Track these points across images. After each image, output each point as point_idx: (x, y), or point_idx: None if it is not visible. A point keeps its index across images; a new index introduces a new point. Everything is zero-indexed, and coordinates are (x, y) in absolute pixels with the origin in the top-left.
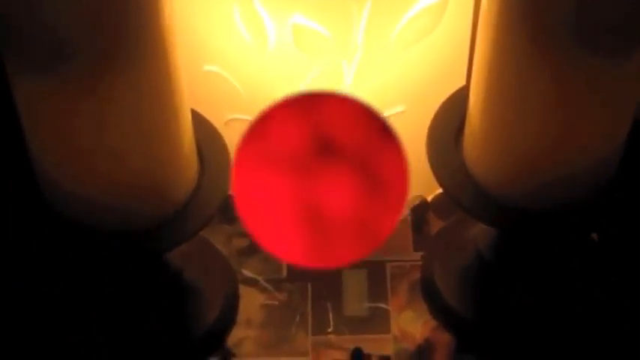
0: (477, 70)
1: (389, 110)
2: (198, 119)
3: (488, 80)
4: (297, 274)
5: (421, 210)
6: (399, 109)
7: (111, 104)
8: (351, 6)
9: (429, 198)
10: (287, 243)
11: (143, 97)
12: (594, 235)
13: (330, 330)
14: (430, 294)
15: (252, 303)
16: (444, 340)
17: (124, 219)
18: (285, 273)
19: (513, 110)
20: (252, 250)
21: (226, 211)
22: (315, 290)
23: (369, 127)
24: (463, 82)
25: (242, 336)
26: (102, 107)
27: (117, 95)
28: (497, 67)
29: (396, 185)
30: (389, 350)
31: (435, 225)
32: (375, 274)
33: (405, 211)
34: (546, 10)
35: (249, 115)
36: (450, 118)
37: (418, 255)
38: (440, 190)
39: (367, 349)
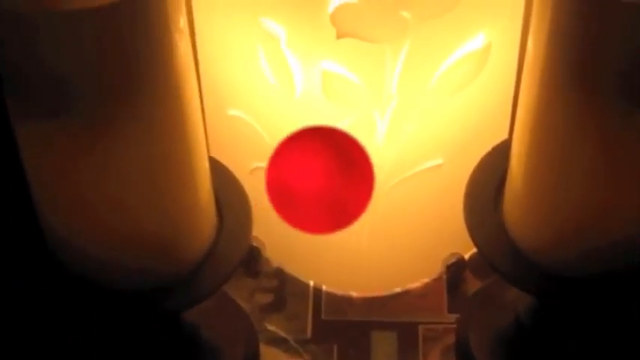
0: (519, 124)
1: (425, 163)
2: (218, 168)
3: (532, 137)
4: (322, 335)
5: (457, 269)
6: (436, 162)
7: (117, 153)
8: (385, 51)
9: (467, 256)
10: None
11: (153, 145)
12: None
13: None
14: None
15: None
16: None
17: (136, 277)
18: (310, 333)
19: (559, 171)
20: (276, 307)
21: (249, 265)
22: (341, 352)
23: None
24: (505, 135)
25: None
26: (108, 156)
27: (124, 143)
28: (542, 123)
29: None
30: None
31: (473, 285)
32: (406, 336)
33: (440, 270)
34: (597, 65)
35: None
36: (490, 175)
37: (453, 317)
38: None
39: None
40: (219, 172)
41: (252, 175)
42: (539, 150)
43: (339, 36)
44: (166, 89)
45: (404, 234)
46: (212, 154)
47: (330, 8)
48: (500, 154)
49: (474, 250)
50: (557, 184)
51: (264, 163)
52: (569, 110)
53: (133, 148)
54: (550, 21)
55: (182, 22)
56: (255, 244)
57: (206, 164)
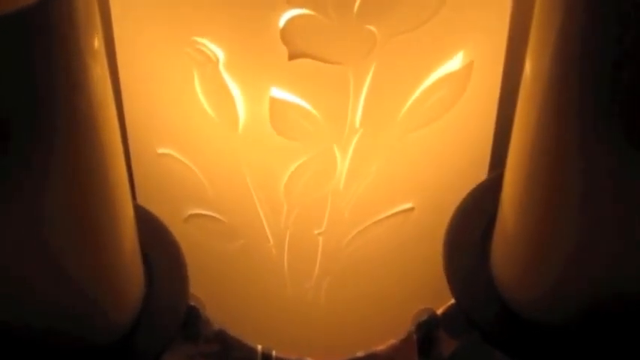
0: (513, 162)
1: (393, 207)
2: (146, 217)
3: (531, 176)
4: None
5: (429, 327)
6: (406, 206)
7: (13, 205)
8: (347, 74)
9: (439, 311)
10: None
11: (64, 190)
12: None
13: None
14: None
15: None
16: None
17: (56, 344)
18: None
19: (565, 215)
20: None
21: (187, 327)
22: None
23: None
24: (485, 173)
25: None
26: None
27: (21, 193)
28: (546, 161)
29: None
30: None
31: (448, 345)
32: None
33: (410, 328)
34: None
35: (215, 211)
36: (475, 218)
37: None
38: (453, 301)
39: None
40: (148, 222)
41: (187, 223)
42: (541, 191)
43: (292, 56)
44: (75, 122)
45: (368, 289)
46: (139, 201)
47: (281, 22)
48: (484, 196)
49: (448, 304)
50: (563, 228)
51: (201, 210)
52: (582, 146)
53: (31, 196)
54: (559, 37)
55: (97, 42)
56: (193, 303)
57: (130, 213)
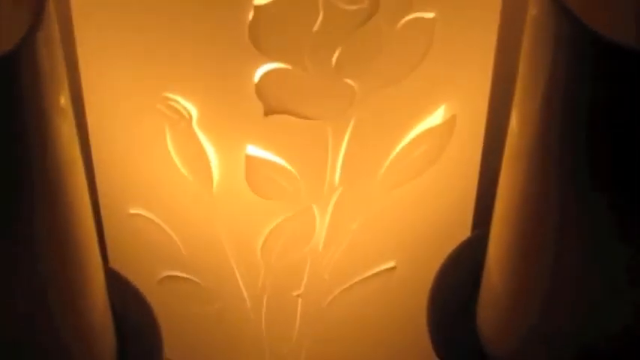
0: (501, 214)
1: (374, 267)
2: (117, 281)
3: (519, 229)
4: None
5: None
6: (389, 264)
7: None
8: (325, 130)
9: None
10: None
11: (29, 255)
12: None
13: None
14: None
15: None
16: None
17: None
18: None
19: (553, 274)
20: None
21: None
22: None
23: None
24: (469, 229)
25: None
26: None
27: None
28: (533, 219)
29: None
30: None
31: None
32: None
33: None
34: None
35: (190, 273)
36: (459, 277)
37: None
38: None
39: None
40: (119, 284)
41: (161, 285)
42: (527, 248)
43: (268, 112)
44: (42, 183)
45: (350, 352)
46: (111, 263)
47: (256, 77)
48: (468, 253)
49: None
50: (554, 291)
51: (175, 272)
52: (572, 204)
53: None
54: (548, 86)
55: (63, 99)
56: None
57: (100, 276)
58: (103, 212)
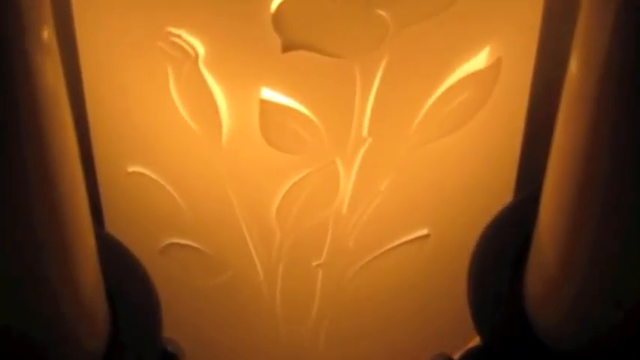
0: (557, 174)
1: (406, 235)
2: (112, 247)
3: (579, 193)
4: None
5: None
6: (421, 232)
7: None
8: (353, 71)
9: (456, 357)
10: None
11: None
12: None
13: None
14: None
15: None
16: None
17: None
18: None
19: (620, 238)
20: None
21: None
22: None
23: None
24: (513, 192)
25: None
26: None
27: None
28: (601, 167)
29: None
30: None
31: None
32: None
33: None
34: None
35: (196, 240)
36: (503, 248)
37: None
38: (473, 344)
39: None
40: (115, 253)
41: (163, 254)
42: (590, 210)
43: (286, 48)
44: (20, 130)
45: (374, 332)
46: (107, 228)
47: (272, 6)
48: (515, 219)
49: (466, 348)
50: (613, 260)
51: (179, 239)
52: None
53: None
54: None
55: (46, 33)
56: (170, 349)
57: (90, 241)
58: (99, 170)
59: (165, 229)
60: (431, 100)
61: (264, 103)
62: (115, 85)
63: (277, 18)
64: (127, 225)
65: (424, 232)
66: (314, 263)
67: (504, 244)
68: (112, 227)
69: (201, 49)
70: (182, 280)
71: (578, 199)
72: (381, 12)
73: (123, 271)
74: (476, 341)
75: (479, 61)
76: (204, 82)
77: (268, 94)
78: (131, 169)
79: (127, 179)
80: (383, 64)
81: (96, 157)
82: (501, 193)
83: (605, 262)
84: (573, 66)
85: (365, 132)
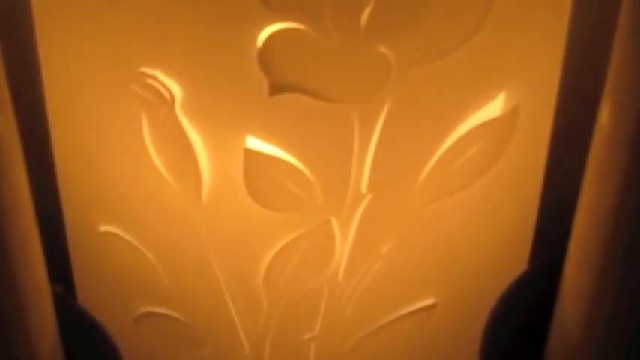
0: (586, 237)
1: (411, 304)
2: (77, 316)
3: (615, 260)
4: None
5: None
6: (427, 301)
7: None
8: (350, 118)
9: None
10: None
11: None
12: None
13: None
14: None
15: None
16: None
17: None
18: None
19: None
20: None
21: None
22: None
23: None
24: (528, 258)
25: None
26: None
27: None
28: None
29: None
30: None
31: None
32: None
33: None
34: None
35: (174, 309)
36: (517, 322)
37: None
38: None
39: None
40: (82, 325)
41: (137, 325)
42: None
43: (274, 90)
44: None
45: None
46: (79, 295)
47: (259, 41)
48: (532, 289)
49: None
50: None
51: (155, 307)
52: None
53: None
54: None
55: None
56: None
57: (48, 310)
58: (69, 230)
59: (140, 295)
60: (439, 153)
61: (250, 154)
62: (83, 133)
63: (264, 55)
64: (99, 290)
65: (430, 301)
66: (306, 336)
67: (519, 319)
68: (82, 292)
69: (178, 93)
70: (158, 354)
71: (611, 268)
72: (384, 50)
73: (90, 343)
74: None
75: (493, 108)
76: (182, 129)
77: (254, 143)
78: (103, 228)
79: (99, 240)
80: (385, 110)
81: (66, 216)
82: (516, 258)
83: (629, 326)
84: (604, 115)
85: (364, 188)
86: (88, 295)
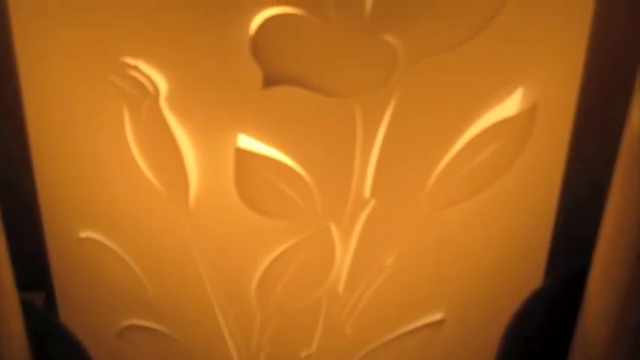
0: (614, 249)
1: (417, 320)
2: (52, 331)
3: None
4: None
5: None
6: (435, 317)
7: None
8: (353, 113)
9: None
10: None
11: None
12: None
13: None
14: None
15: None
16: None
17: None
18: None
19: None
20: None
21: None
22: None
23: None
24: (543, 271)
25: None
26: None
27: None
28: None
29: None
30: None
31: None
32: None
33: None
34: None
35: (159, 322)
36: (532, 342)
37: None
38: None
39: None
40: (58, 341)
41: (121, 339)
42: None
43: (269, 82)
44: None
45: None
46: (60, 309)
47: (252, 27)
48: (549, 305)
49: None
50: None
51: (139, 320)
52: None
53: None
54: None
55: None
56: None
57: (18, 328)
58: (48, 236)
59: (124, 308)
60: (449, 154)
61: (241, 153)
62: (61, 128)
63: (257, 43)
64: (79, 302)
65: (438, 317)
66: (302, 353)
67: (534, 338)
68: (62, 304)
69: (163, 85)
70: None
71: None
72: (390, 39)
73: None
74: None
75: (510, 105)
76: (167, 126)
77: (246, 141)
78: (83, 234)
79: (79, 246)
80: (390, 105)
81: (45, 221)
82: (531, 269)
83: None
84: (635, 114)
85: (367, 192)
86: (68, 305)
